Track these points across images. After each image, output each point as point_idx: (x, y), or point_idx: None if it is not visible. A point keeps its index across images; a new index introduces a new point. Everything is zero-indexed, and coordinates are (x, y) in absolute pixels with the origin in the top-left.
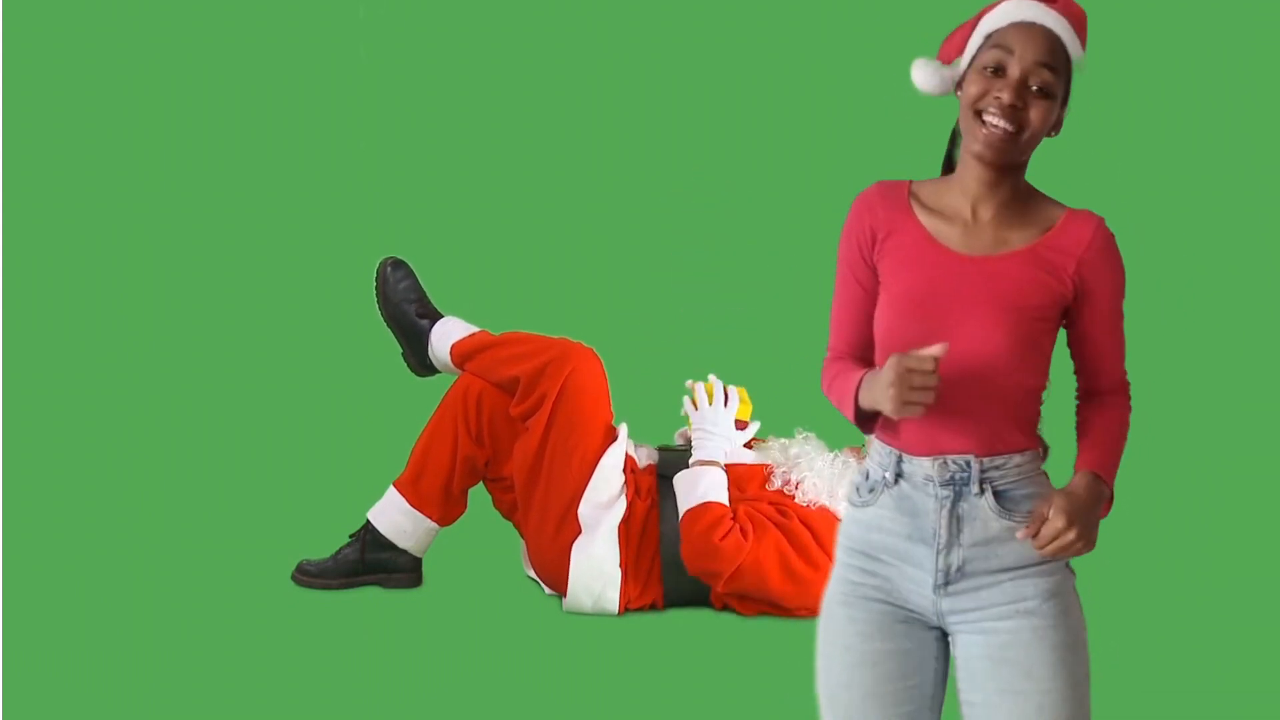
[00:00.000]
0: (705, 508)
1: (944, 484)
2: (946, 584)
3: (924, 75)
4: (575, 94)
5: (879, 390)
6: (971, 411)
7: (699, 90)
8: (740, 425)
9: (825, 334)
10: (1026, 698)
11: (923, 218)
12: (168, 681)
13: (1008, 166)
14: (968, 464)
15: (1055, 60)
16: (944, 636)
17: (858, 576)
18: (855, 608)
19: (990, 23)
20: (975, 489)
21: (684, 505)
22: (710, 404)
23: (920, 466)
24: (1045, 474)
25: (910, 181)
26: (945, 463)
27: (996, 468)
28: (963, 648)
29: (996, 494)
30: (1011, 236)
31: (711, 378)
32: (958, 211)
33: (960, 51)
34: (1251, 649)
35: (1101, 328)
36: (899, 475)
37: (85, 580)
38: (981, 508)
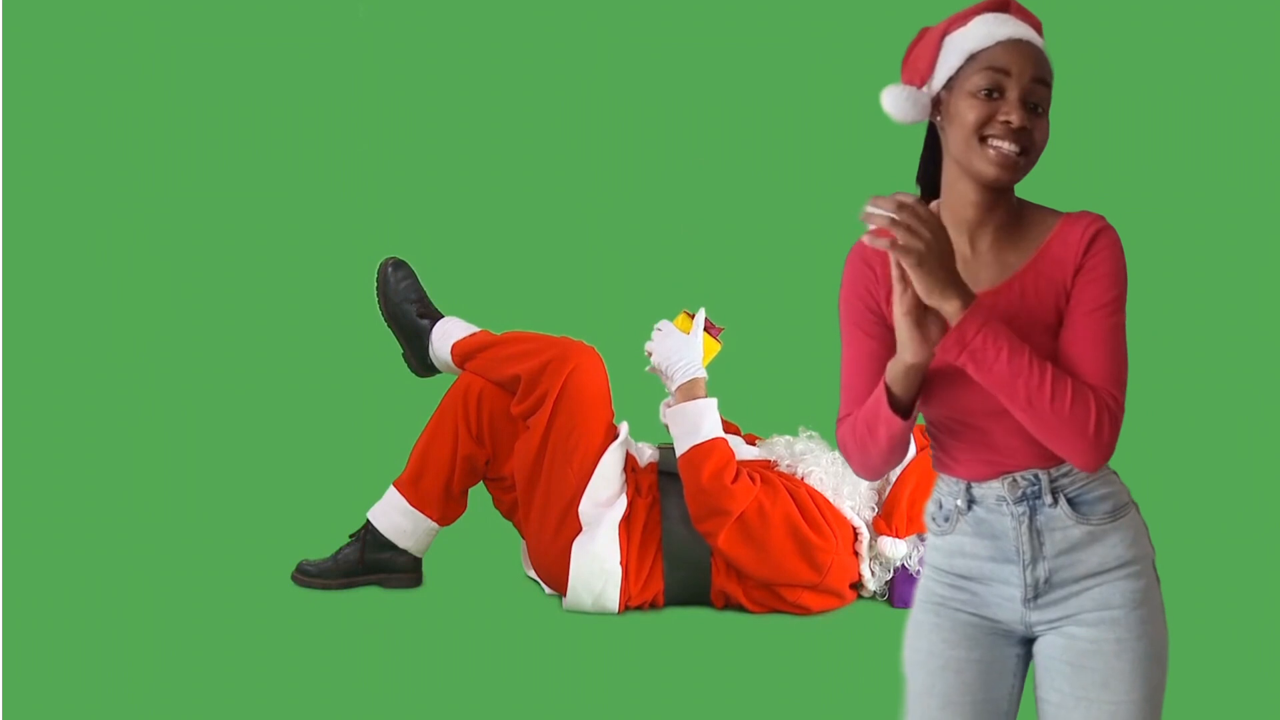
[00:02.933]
0: (711, 446)
1: (1017, 501)
2: (1036, 597)
3: (896, 102)
4: (575, 94)
5: (898, 329)
6: (1023, 432)
7: (700, 90)
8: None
9: (828, 333)
10: (1100, 706)
11: None
12: (168, 681)
13: (1007, 188)
14: (1036, 478)
15: (1046, 74)
16: (1026, 650)
17: (946, 590)
18: (942, 616)
19: (968, 42)
20: (1049, 500)
21: (686, 443)
22: (665, 329)
23: (990, 489)
24: (1114, 471)
25: None
26: (1014, 480)
27: (1064, 475)
28: (1045, 647)
29: (1070, 501)
30: (1011, 259)
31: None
32: (955, 247)
33: (929, 72)
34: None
35: (1080, 328)
36: (971, 501)
37: (85, 580)
38: (1059, 517)
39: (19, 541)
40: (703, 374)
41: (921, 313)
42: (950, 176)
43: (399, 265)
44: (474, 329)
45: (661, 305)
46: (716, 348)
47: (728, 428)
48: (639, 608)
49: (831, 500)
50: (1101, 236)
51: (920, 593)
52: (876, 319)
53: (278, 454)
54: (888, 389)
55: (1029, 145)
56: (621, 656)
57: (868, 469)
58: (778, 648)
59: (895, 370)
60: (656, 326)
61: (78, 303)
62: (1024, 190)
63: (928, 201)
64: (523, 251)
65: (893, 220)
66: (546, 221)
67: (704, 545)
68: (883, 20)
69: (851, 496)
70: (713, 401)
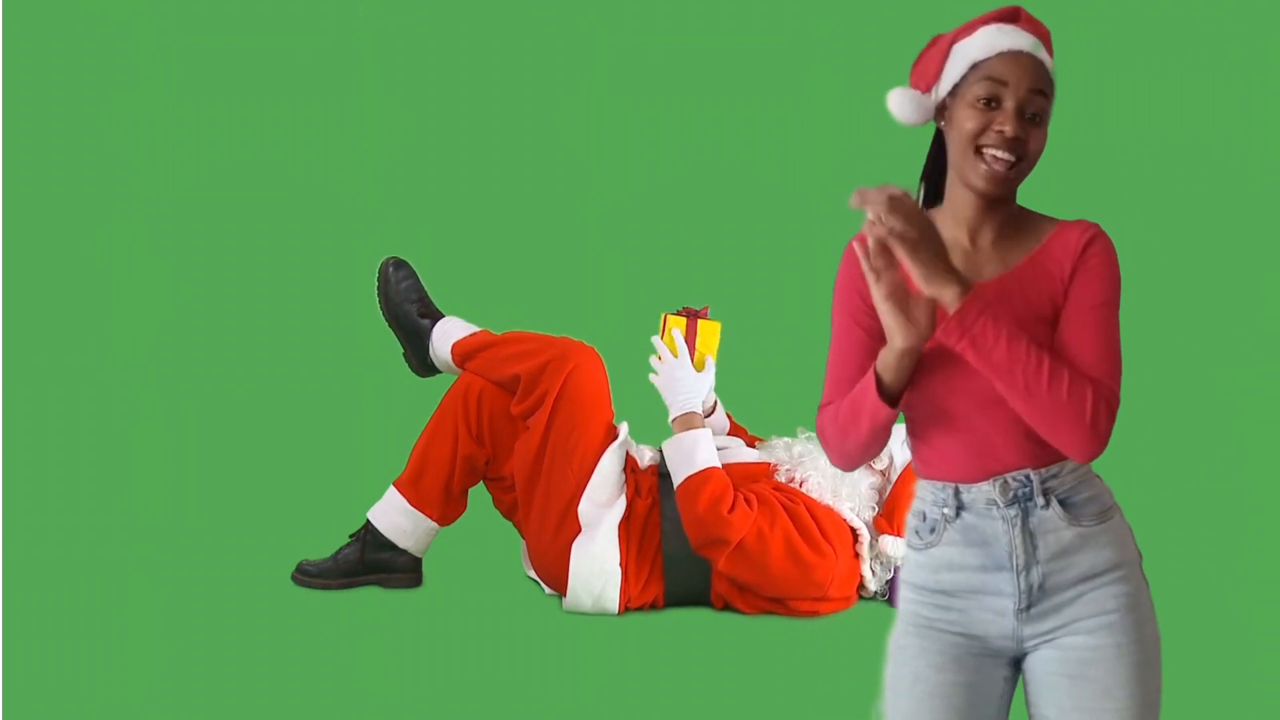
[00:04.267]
0: (707, 476)
1: (1009, 504)
2: (1030, 606)
3: (902, 105)
4: (575, 94)
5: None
6: (1014, 429)
7: (700, 90)
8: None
9: (828, 334)
10: (1103, 716)
11: None
12: (168, 681)
13: (999, 199)
14: (1027, 478)
15: (1045, 85)
16: (1015, 672)
17: (931, 612)
18: (928, 639)
19: (972, 51)
20: (1040, 501)
21: (682, 473)
22: (672, 359)
23: (981, 493)
24: (1098, 475)
25: None
26: (1005, 482)
27: (1054, 476)
28: (1039, 663)
29: (1061, 502)
30: (1010, 256)
31: (666, 329)
32: (955, 241)
33: (936, 79)
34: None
35: (1078, 324)
36: (960, 507)
37: (85, 580)
38: (1051, 519)
39: (19, 541)
40: (699, 408)
41: (903, 298)
42: (952, 179)
43: (400, 265)
44: (474, 329)
45: (661, 305)
46: (717, 327)
47: (733, 429)
48: (639, 609)
49: (831, 503)
50: (1098, 241)
51: (902, 615)
52: (869, 309)
53: (278, 454)
54: (877, 377)
55: (1023, 154)
56: (621, 657)
57: (845, 458)
58: (778, 648)
59: (887, 358)
60: (658, 356)
61: (78, 302)
62: (1024, 196)
63: (931, 204)
64: (523, 251)
65: (884, 209)
66: (546, 221)
67: None
68: (879, 21)
69: (851, 498)
70: (706, 431)
